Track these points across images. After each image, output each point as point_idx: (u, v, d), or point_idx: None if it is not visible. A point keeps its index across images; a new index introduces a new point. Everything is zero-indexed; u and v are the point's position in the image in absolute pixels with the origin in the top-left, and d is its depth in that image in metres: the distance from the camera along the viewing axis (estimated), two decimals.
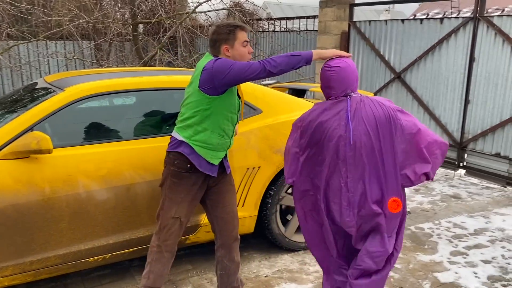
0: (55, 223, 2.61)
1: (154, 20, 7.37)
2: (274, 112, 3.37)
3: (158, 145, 2.86)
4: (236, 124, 2.56)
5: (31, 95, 3.03)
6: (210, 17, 7.93)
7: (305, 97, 4.81)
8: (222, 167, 2.58)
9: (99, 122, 3.02)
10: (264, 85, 4.93)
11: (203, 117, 2.41)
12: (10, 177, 2.48)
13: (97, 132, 2.92)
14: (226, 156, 2.59)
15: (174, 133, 2.50)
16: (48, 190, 2.56)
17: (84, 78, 3.08)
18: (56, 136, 2.71)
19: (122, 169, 2.75)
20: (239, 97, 2.58)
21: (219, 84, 2.31)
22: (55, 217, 2.60)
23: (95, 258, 2.79)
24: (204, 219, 3.07)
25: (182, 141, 2.44)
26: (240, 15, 8.06)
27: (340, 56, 2.25)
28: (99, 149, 2.75)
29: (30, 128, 2.61)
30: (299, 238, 3.50)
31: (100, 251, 2.79)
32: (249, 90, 3.36)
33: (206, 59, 2.41)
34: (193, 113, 2.41)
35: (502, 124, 5.10)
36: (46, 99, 2.74)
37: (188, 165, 2.44)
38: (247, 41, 2.44)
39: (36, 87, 3.19)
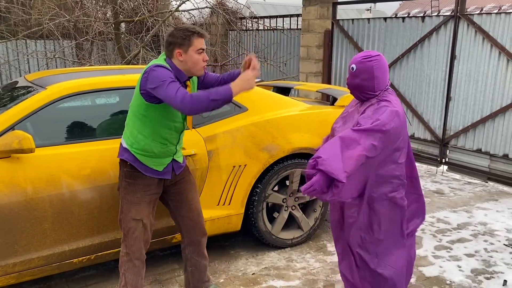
0: (38, 224, 2.56)
1: (137, 19, 7.29)
2: (260, 110, 3.37)
3: None
4: (182, 131, 2.53)
5: (11, 94, 2.96)
6: (193, 15, 7.89)
7: (289, 95, 4.82)
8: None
9: (82, 120, 2.97)
10: None
11: (142, 124, 2.37)
12: None
13: (80, 131, 2.87)
14: (177, 158, 2.54)
15: (122, 139, 2.48)
16: (31, 190, 2.51)
17: (66, 76, 3.03)
18: (38, 135, 2.66)
19: (106, 168, 2.71)
20: None
21: (151, 94, 2.27)
22: (38, 218, 2.55)
23: (80, 259, 2.75)
24: None
25: (126, 148, 2.43)
26: (224, 13, 8.02)
27: (254, 78, 2.34)
28: (82, 148, 2.71)
29: (11, 127, 2.55)
30: (286, 235, 3.51)
31: (85, 251, 2.74)
32: None
33: (155, 61, 2.37)
34: (133, 117, 2.39)
35: (483, 120, 5.20)
36: (28, 98, 2.69)
37: (136, 171, 2.43)
38: (203, 49, 2.37)
39: (16, 86, 3.12)
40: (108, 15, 9.70)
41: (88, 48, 8.63)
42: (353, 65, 2.28)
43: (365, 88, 2.27)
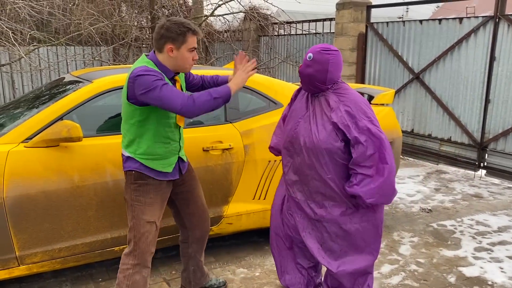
0: (83, 211, 2.66)
1: None
2: None
3: (186, 135, 2.88)
4: (180, 127, 2.42)
5: (59, 87, 3.10)
6: (227, 20, 8.02)
7: None
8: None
9: None
10: None
11: (141, 128, 2.25)
12: (41, 165, 2.53)
13: None
14: (181, 155, 2.46)
15: (122, 150, 2.36)
16: (77, 178, 2.61)
17: (110, 71, 3.14)
18: (84, 126, 2.77)
19: None
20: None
21: (142, 100, 2.16)
22: (83, 205, 2.65)
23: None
24: (227, 210, 3.10)
25: (129, 157, 2.31)
26: (258, 18, 8.11)
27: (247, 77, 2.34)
28: None
29: (60, 118, 2.67)
30: None
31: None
32: (268, 84, 3.39)
33: (137, 64, 2.25)
34: (128, 125, 2.27)
35: None
36: (75, 90, 2.80)
37: (144, 175, 2.31)
38: (195, 48, 2.27)
39: (64, 81, 3.26)
40: (143, 22, 9.99)
41: (125, 53, 8.90)
42: (310, 54, 2.29)
43: (316, 79, 2.28)
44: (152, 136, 2.28)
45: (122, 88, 2.90)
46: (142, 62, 2.24)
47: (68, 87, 3.00)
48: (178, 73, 2.38)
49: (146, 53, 2.32)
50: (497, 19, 5.21)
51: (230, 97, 2.24)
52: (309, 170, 2.33)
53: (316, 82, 2.29)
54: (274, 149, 2.70)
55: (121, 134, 2.79)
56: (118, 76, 2.93)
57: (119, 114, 2.99)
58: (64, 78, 3.38)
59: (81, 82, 2.97)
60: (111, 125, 2.89)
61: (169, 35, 2.19)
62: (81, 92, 2.79)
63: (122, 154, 2.36)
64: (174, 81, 2.36)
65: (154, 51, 2.27)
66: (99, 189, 2.67)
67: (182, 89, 2.42)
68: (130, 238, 2.31)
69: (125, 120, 2.29)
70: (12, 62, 7.37)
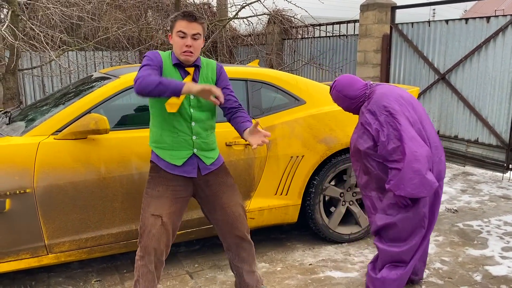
0: (109, 202, 2.73)
1: None
2: (318, 103, 3.40)
3: None
4: (196, 122, 2.32)
5: (88, 84, 3.20)
6: (251, 23, 8.10)
7: None
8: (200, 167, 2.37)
9: None
10: None
11: (153, 116, 2.34)
12: (69, 156, 2.62)
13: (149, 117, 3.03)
14: (201, 155, 2.36)
15: None
16: (104, 170, 2.69)
17: (136, 68, 3.23)
18: (111, 120, 2.85)
19: None
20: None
21: None
22: (109, 196, 2.72)
23: None
24: (249, 205, 3.12)
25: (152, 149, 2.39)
26: (282, 19, 8.15)
27: (210, 91, 2.09)
28: None
29: (88, 112, 2.76)
30: (343, 230, 3.48)
31: None
32: (293, 82, 3.42)
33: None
34: (149, 114, 2.38)
35: None
36: (103, 85, 2.90)
37: (158, 167, 2.34)
38: (183, 32, 2.23)
39: (92, 78, 3.37)
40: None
41: None
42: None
43: (346, 108, 2.67)
44: (160, 123, 2.30)
45: None
46: (165, 51, 2.39)
47: (95, 83, 3.10)
48: (193, 65, 2.33)
49: None
50: None
51: (179, 93, 2.09)
52: (366, 172, 2.58)
53: (350, 107, 2.65)
54: None
55: (146, 128, 2.88)
56: None
57: (144, 109, 3.08)
58: (92, 75, 3.49)
59: (108, 78, 3.06)
60: (137, 119, 2.96)
61: (169, 24, 2.31)
62: (108, 87, 2.87)
63: None
64: (184, 72, 2.33)
65: None
66: (124, 181, 2.74)
67: (195, 81, 2.32)
68: (138, 230, 2.34)
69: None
70: (43, 64, 7.62)
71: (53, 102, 3.08)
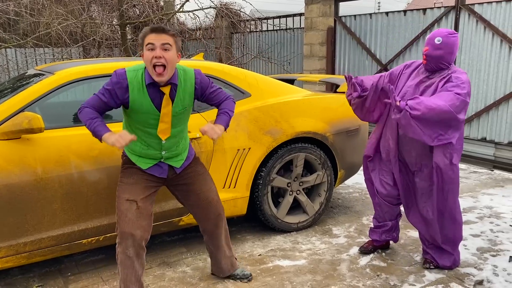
0: (48, 204, 2.63)
1: (142, 20, 7.42)
2: (263, 96, 3.43)
3: None
4: (166, 140, 2.37)
5: (22, 81, 3.05)
6: (197, 16, 8.01)
7: None
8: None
9: None
10: None
11: (125, 122, 2.40)
12: (2, 158, 2.49)
13: None
14: (171, 161, 2.45)
15: None
16: (41, 170, 2.58)
17: (74, 63, 3.11)
18: (47, 118, 2.74)
19: (114, 149, 2.77)
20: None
21: None
22: (48, 198, 2.62)
23: (89, 239, 2.80)
24: None
25: None
26: (228, 14, 8.13)
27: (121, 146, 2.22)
28: None
29: (21, 110, 2.63)
30: (291, 220, 3.54)
31: (93, 232, 2.80)
32: (242, 76, 3.42)
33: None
34: (123, 115, 2.43)
35: (487, 109, 5.21)
36: (37, 82, 2.77)
37: (132, 161, 2.44)
38: (152, 44, 2.18)
39: (26, 75, 3.21)
40: (114, 22, 9.89)
41: (95, 52, 8.79)
42: (439, 37, 2.60)
43: (444, 59, 2.60)
44: (130, 132, 2.34)
45: (84, 79, 2.88)
46: (135, 66, 2.32)
47: (30, 80, 2.96)
48: (170, 84, 2.27)
49: None
50: (458, 9, 5.37)
51: (98, 138, 2.22)
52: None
53: (443, 62, 2.61)
54: None
55: (84, 125, 2.79)
56: (81, 68, 2.91)
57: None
58: (26, 72, 3.33)
59: (43, 74, 2.93)
60: (75, 117, 2.86)
61: (139, 43, 2.28)
62: (42, 84, 2.75)
63: None
64: (159, 93, 2.27)
65: None
66: (63, 181, 2.64)
67: (170, 104, 2.30)
68: (116, 217, 2.39)
69: None
70: None
71: None
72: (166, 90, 2.28)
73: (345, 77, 2.88)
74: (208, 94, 2.47)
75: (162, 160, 2.43)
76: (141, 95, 2.25)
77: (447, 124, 2.56)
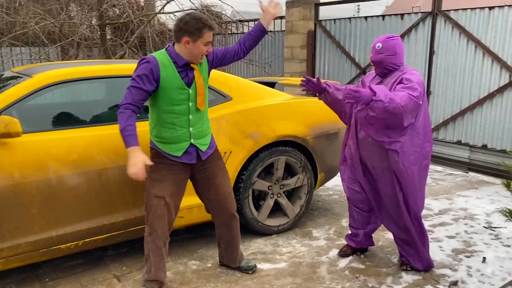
0: (26, 209, 2.59)
1: (122, 21, 7.35)
2: (244, 100, 3.44)
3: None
4: (194, 113, 2.56)
5: None
6: (177, 17, 7.98)
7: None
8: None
9: (69, 107, 3.02)
10: None
11: (152, 113, 2.57)
12: None
13: (67, 118, 2.91)
14: (197, 143, 2.61)
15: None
16: (18, 175, 2.54)
17: (52, 66, 3.07)
18: (24, 122, 2.69)
19: (93, 153, 2.75)
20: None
21: None
22: (25, 203, 2.58)
23: (68, 245, 2.77)
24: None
25: (151, 138, 2.63)
26: (210, 15, 8.11)
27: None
28: (69, 134, 2.75)
29: None
30: (272, 222, 3.57)
31: (72, 237, 2.77)
32: (222, 79, 3.43)
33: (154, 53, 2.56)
34: (149, 108, 2.60)
35: (462, 113, 5.35)
36: (14, 85, 2.72)
37: (160, 154, 2.58)
38: (210, 42, 2.49)
39: (3, 77, 3.15)
40: (93, 22, 9.76)
41: (74, 52, 8.65)
42: (379, 43, 2.72)
43: (389, 62, 2.70)
44: (159, 121, 2.52)
45: (63, 82, 2.85)
46: (158, 52, 2.51)
47: (7, 83, 2.91)
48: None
49: (170, 44, 2.55)
50: (434, 15, 5.50)
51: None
52: None
53: (389, 65, 2.71)
54: None
55: (63, 129, 2.76)
56: (59, 71, 2.87)
57: (62, 109, 2.94)
58: (3, 74, 3.27)
59: (20, 77, 2.89)
60: (54, 121, 2.82)
61: (187, 29, 2.41)
62: (20, 87, 2.71)
63: None
64: (190, 69, 2.52)
65: (174, 43, 2.51)
66: (42, 186, 2.61)
67: (202, 78, 2.57)
68: (144, 210, 2.61)
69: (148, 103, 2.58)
70: None
71: None
72: (195, 66, 2.54)
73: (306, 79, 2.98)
74: (217, 53, 2.70)
75: (191, 141, 2.57)
76: (172, 72, 2.46)
77: (390, 126, 2.64)
